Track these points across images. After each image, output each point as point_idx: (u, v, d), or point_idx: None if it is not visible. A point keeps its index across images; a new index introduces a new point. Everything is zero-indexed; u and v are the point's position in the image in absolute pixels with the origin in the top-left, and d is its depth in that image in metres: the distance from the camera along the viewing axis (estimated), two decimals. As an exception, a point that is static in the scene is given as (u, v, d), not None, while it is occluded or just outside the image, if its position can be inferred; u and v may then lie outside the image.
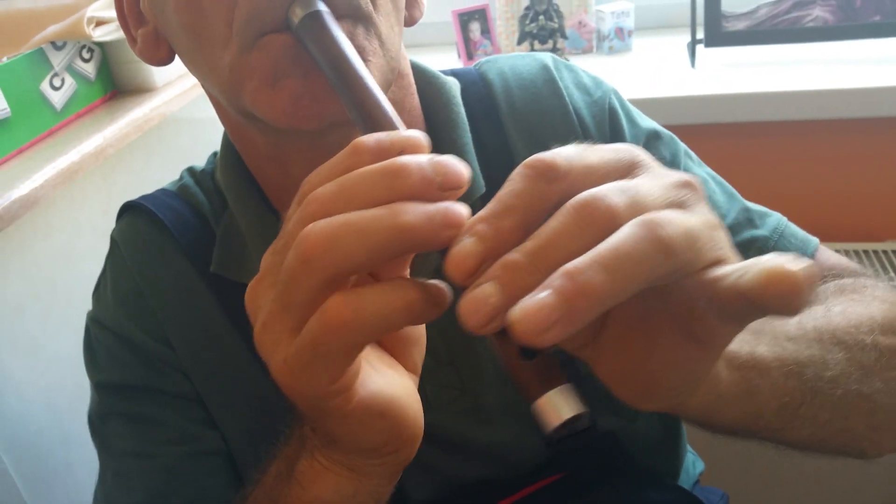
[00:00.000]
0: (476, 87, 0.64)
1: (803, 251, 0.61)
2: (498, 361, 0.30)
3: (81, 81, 0.79)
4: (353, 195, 0.31)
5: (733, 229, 0.61)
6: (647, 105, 1.06)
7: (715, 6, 1.15)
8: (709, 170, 0.66)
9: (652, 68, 1.19)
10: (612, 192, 0.29)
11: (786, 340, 0.44)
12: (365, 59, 0.46)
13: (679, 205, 0.31)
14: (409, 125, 0.57)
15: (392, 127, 0.38)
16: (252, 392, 0.58)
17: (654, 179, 0.32)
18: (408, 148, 0.33)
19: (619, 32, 1.26)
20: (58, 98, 0.75)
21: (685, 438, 0.74)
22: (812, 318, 0.48)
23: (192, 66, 0.51)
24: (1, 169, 0.70)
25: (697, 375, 0.36)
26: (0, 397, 0.77)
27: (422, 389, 0.59)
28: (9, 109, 0.69)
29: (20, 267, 0.78)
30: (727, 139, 1.15)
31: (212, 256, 0.59)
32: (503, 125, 0.61)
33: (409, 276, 0.35)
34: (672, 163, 0.63)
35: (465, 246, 0.30)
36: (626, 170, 0.32)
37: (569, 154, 0.31)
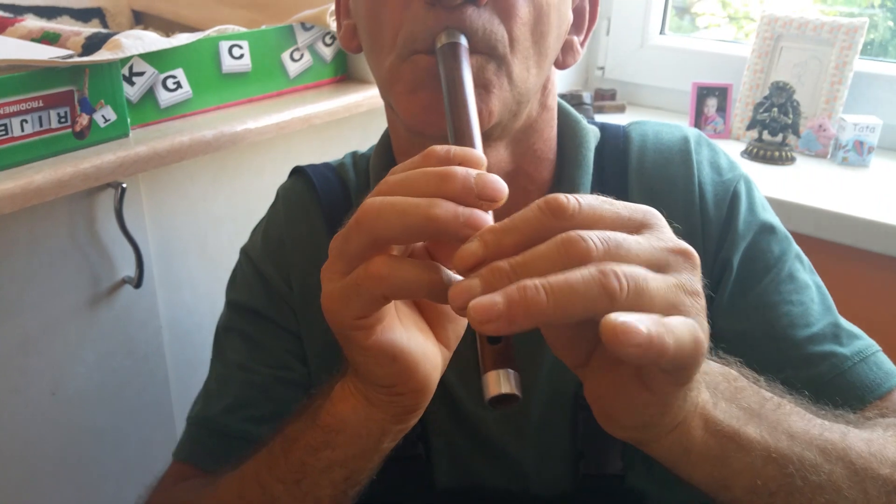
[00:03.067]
0: (616, 141, 0.69)
1: (882, 383, 0.59)
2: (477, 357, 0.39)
3: (318, 61, 0.94)
4: (410, 186, 0.40)
5: (816, 339, 0.61)
6: (856, 225, 1.00)
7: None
8: (817, 279, 0.66)
9: (879, 190, 1.10)
10: (595, 237, 0.36)
11: (783, 433, 0.46)
12: (489, 90, 0.55)
13: (660, 265, 0.37)
14: (542, 151, 0.65)
15: (470, 144, 0.46)
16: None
17: (650, 240, 0.38)
18: (466, 161, 0.41)
19: (859, 146, 1.18)
20: (293, 68, 0.91)
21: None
22: (828, 429, 0.49)
23: (368, 61, 0.62)
24: (231, 109, 0.87)
25: (646, 419, 0.41)
26: (180, 287, 0.95)
27: (475, 383, 0.64)
28: (250, 66, 0.86)
29: (228, 190, 0.95)
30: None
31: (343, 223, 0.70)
32: (628, 179, 0.67)
33: (447, 267, 0.42)
34: (779, 259, 0.64)
35: (471, 246, 0.37)
36: (633, 226, 0.39)
37: (583, 201, 0.38)
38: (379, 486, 0.70)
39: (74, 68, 0.68)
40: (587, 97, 1.33)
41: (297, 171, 0.75)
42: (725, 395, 0.46)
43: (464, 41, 0.52)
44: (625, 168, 0.67)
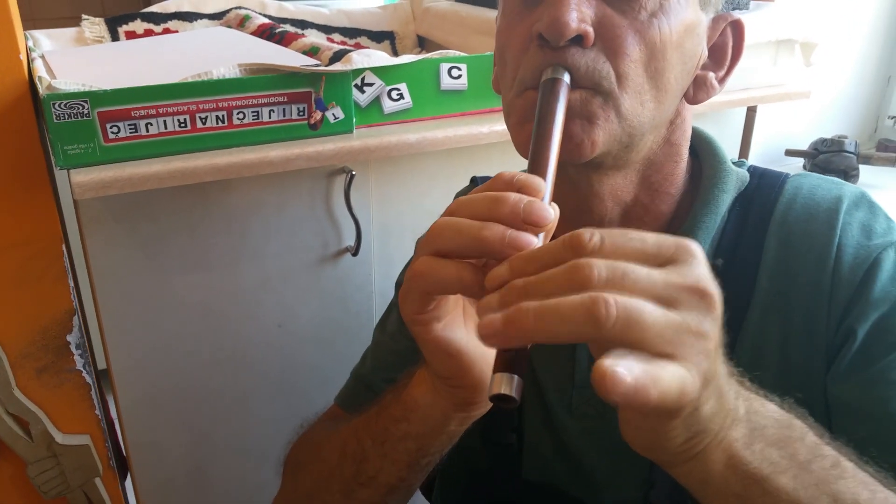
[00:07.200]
0: (767, 189, 0.69)
1: None
2: None
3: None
4: (471, 207, 0.46)
5: None
6: None
7: None
8: None
9: None
10: (601, 265, 0.38)
11: (826, 494, 0.45)
12: (592, 122, 0.58)
13: (669, 301, 0.38)
14: (660, 184, 0.68)
15: (542, 172, 0.50)
16: None
17: (668, 275, 0.39)
18: (524, 187, 0.45)
19: None
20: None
21: None
22: None
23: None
24: (443, 119, 1.02)
25: (646, 442, 0.44)
26: (392, 262, 1.13)
27: (568, 394, 0.71)
28: (467, 85, 1.00)
29: (443, 188, 1.10)
30: None
31: None
32: (768, 229, 0.67)
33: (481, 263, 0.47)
34: None
35: (500, 269, 0.42)
36: (660, 261, 0.40)
37: (607, 237, 0.40)
38: (473, 463, 0.79)
39: (314, 74, 0.89)
40: (850, 144, 1.23)
41: (473, 180, 0.88)
42: (769, 439, 0.45)
43: (566, 78, 0.56)
44: (768, 217, 0.67)
